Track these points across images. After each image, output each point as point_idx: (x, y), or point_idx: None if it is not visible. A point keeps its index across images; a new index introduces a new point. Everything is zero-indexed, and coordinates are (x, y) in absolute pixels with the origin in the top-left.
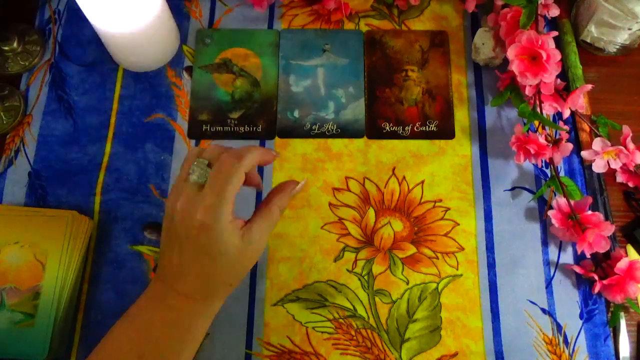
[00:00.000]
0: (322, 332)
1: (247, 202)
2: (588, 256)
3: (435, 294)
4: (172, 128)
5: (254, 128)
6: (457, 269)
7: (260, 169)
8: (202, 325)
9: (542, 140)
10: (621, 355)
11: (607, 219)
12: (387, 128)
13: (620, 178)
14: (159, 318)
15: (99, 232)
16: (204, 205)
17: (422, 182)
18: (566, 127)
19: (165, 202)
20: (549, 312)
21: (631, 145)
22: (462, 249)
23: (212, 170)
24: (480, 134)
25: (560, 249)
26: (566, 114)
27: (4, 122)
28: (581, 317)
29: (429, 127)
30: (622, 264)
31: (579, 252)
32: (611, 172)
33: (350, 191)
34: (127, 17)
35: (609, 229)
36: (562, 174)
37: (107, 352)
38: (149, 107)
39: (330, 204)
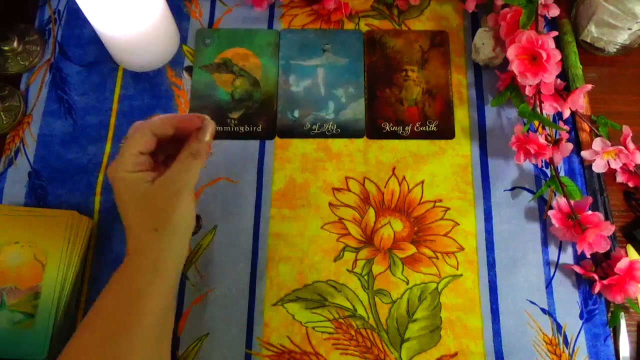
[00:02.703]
0: (322, 332)
1: (247, 203)
2: (588, 256)
3: (435, 294)
4: None
5: (254, 128)
6: (457, 269)
7: (260, 170)
8: (147, 280)
9: (542, 140)
10: (621, 355)
11: (607, 219)
12: (387, 128)
13: (620, 178)
14: (114, 279)
15: (99, 232)
16: (113, 162)
17: (422, 182)
18: (566, 127)
19: None
20: (549, 312)
21: (631, 145)
22: (462, 249)
23: None
24: (480, 134)
25: (560, 249)
26: (566, 114)
27: (4, 122)
28: (581, 317)
29: (429, 127)
30: (622, 264)
31: (579, 252)
32: (611, 172)
33: (350, 191)
34: (127, 17)
35: (609, 229)
36: (562, 174)
37: (86, 320)
38: (149, 107)
39: (330, 204)
